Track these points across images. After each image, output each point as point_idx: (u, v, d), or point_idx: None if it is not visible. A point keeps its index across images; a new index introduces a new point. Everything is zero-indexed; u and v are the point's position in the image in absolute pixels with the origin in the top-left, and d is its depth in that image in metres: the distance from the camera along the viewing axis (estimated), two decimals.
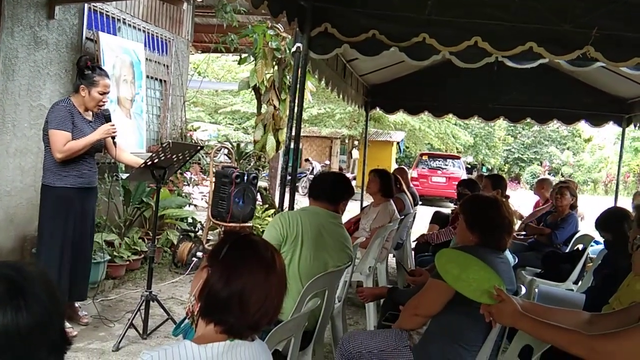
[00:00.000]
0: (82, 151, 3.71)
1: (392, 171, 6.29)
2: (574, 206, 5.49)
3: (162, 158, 3.75)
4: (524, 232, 6.01)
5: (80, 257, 3.91)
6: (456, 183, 6.99)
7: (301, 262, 2.83)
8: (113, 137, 3.84)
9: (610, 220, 3.64)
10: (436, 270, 2.28)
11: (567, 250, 5.16)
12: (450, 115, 8.24)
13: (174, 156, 3.85)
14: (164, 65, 6.88)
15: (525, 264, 5.00)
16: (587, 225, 5.85)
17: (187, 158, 4.11)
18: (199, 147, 4.29)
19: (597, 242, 5.04)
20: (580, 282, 4.47)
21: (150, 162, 3.72)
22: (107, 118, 3.88)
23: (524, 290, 2.63)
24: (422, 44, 3.57)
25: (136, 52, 5.90)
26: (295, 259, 2.83)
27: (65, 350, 0.97)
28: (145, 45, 6.23)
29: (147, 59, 6.23)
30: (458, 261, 2.29)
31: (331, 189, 3.05)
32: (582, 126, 22.08)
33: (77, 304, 4.11)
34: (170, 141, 4.44)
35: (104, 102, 3.85)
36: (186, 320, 1.60)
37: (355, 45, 3.85)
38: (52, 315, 0.91)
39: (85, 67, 3.77)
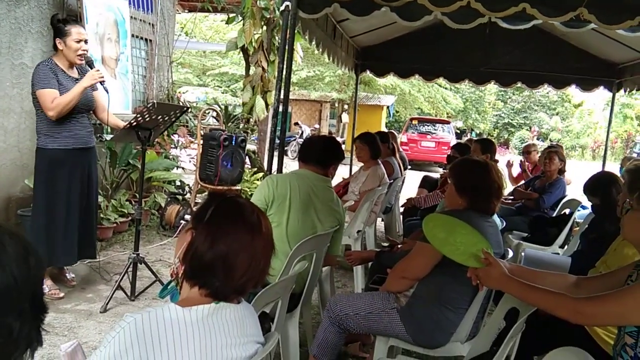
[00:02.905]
0: (72, 103, 3.58)
1: None
2: (562, 171, 5.51)
3: (147, 119, 3.67)
4: (511, 197, 6.04)
5: (87, 217, 3.93)
6: (445, 148, 7.01)
7: (289, 225, 2.82)
8: (102, 83, 3.68)
9: (598, 185, 3.65)
10: (423, 234, 2.27)
11: (554, 215, 5.19)
12: (441, 79, 8.17)
13: (159, 117, 3.77)
14: (150, 24, 6.70)
15: (513, 227, 5.04)
16: (574, 190, 5.89)
17: (173, 119, 4.03)
18: (185, 108, 4.20)
19: (583, 207, 5.08)
20: (566, 246, 4.51)
21: (135, 123, 3.65)
22: (90, 64, 3.75)
23: (511, 253, 2.64)
24: (413, 3, 3.49)
25: (120, 9, 5.73)
26: (284, 221, 2.82)
27: (42, 318, 0.94)
28: (129, 3, 6.05)
29: (131, 17, 6.05)
30: (445, 225, 2.29)
31: (321, 153, 3.04)
32: (572, 91, 22.12)
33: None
34: (154, 102, 4.34)
35: (84, 50, 3.70)
36: (172, 282, 1.58)
37: (346, 4, 3.76)
38: (19, 282, 0.87)
39: (58, 22, 3.67)
